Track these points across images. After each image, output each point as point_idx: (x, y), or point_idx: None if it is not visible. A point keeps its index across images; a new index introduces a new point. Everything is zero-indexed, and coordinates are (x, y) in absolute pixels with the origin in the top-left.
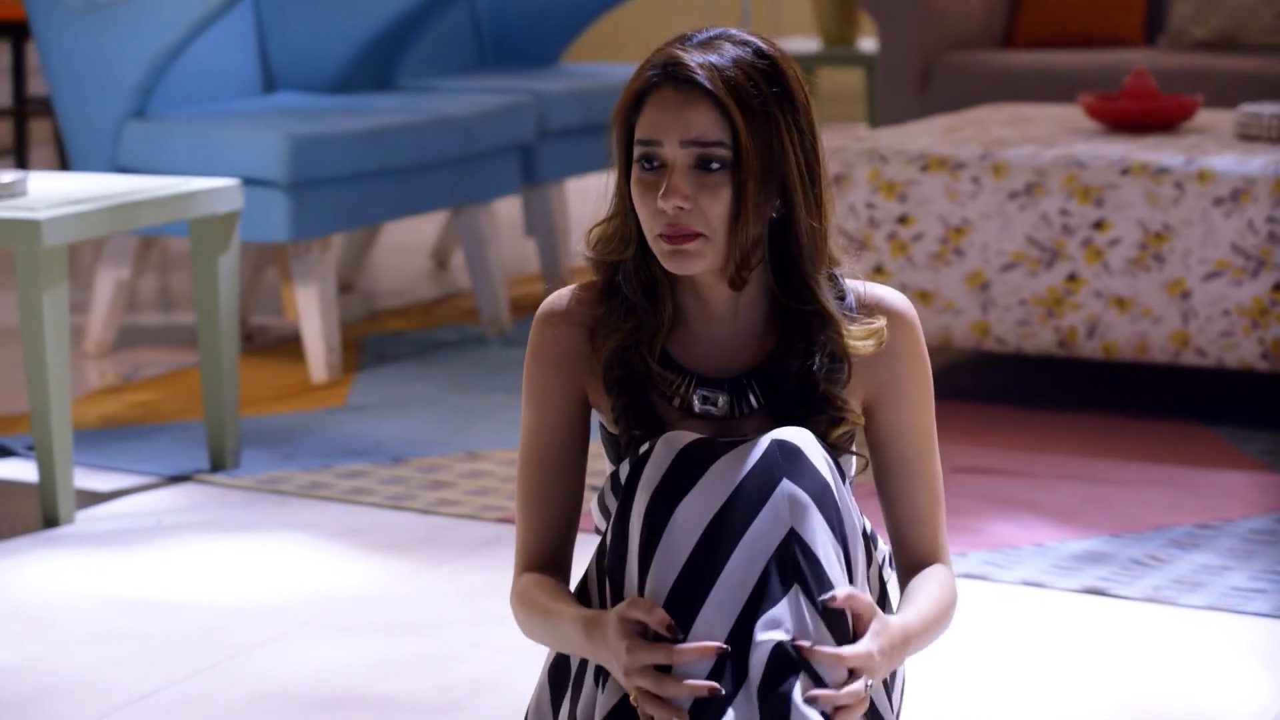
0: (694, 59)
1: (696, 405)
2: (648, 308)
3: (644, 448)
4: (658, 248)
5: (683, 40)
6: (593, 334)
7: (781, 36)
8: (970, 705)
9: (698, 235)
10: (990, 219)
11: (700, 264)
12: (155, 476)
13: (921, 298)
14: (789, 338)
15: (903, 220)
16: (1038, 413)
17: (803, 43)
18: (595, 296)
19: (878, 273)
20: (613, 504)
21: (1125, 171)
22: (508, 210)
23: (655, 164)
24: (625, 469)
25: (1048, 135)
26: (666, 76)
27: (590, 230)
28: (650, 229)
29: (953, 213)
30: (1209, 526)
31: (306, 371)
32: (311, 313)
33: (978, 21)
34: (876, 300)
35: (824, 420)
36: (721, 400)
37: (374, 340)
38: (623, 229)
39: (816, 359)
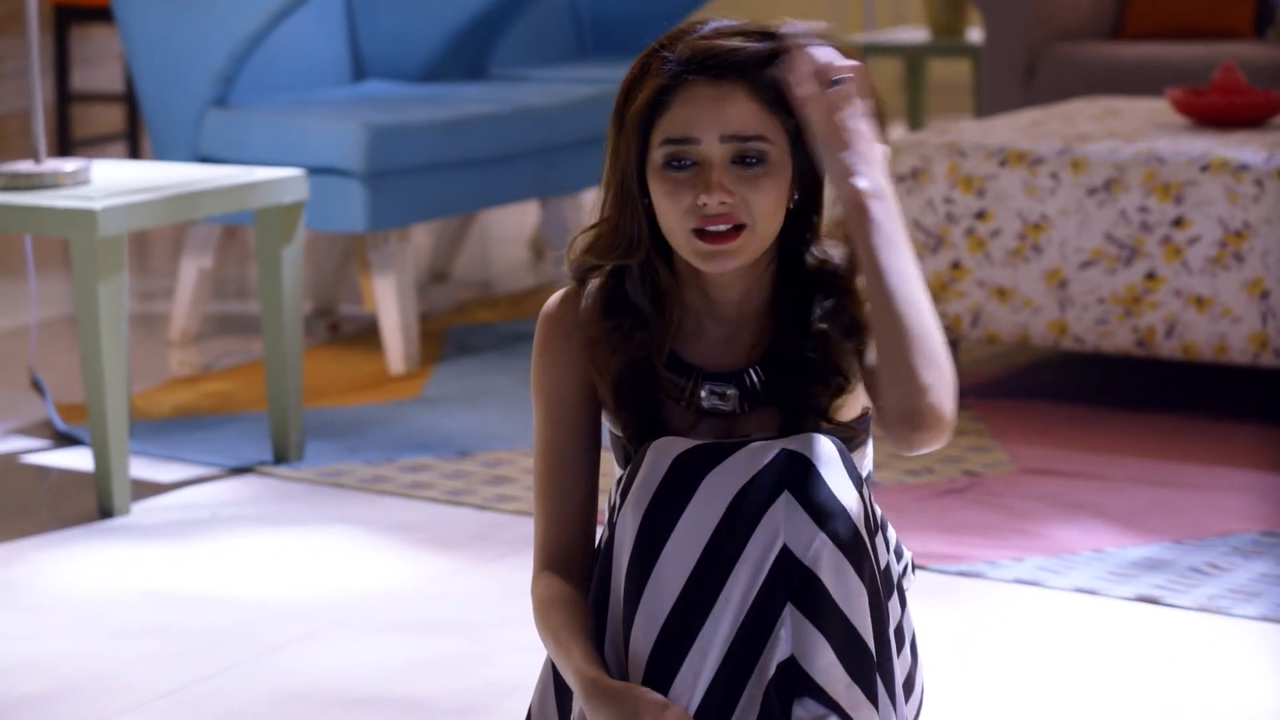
0: (725, 44)
1: (705, 401)
2: (654, 315)
3: (635, 457)
4: (692, 247)
5: (697, 32)
6: (595, 345)
7: (894, 27)
8: (1006, 713)
9: (739, 229)
10: (1069, 215)
11: (738, 260)
12: (217, 468)
13: (999, 295)
14: (786, 320)
15: (980, 216)
16: (1114, 413)
17: (911, 33)
18: (594, 305)
19: (955, 268)
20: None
21: (1205, 168)
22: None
23: (686, 163)
24: (625, 476)
25: (1132, 130)
26: (698, 69)
27: (575, 239)
28: (682, 226)
29: (1031, 209)
30: (1275, 534)
31: (385, 363)
32: (389, 304)
33: (1085, 13)
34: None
35: (826, 391)
36: (730, 393)
37: (458, 331)
38: (630, 232)
39: (819, 327)
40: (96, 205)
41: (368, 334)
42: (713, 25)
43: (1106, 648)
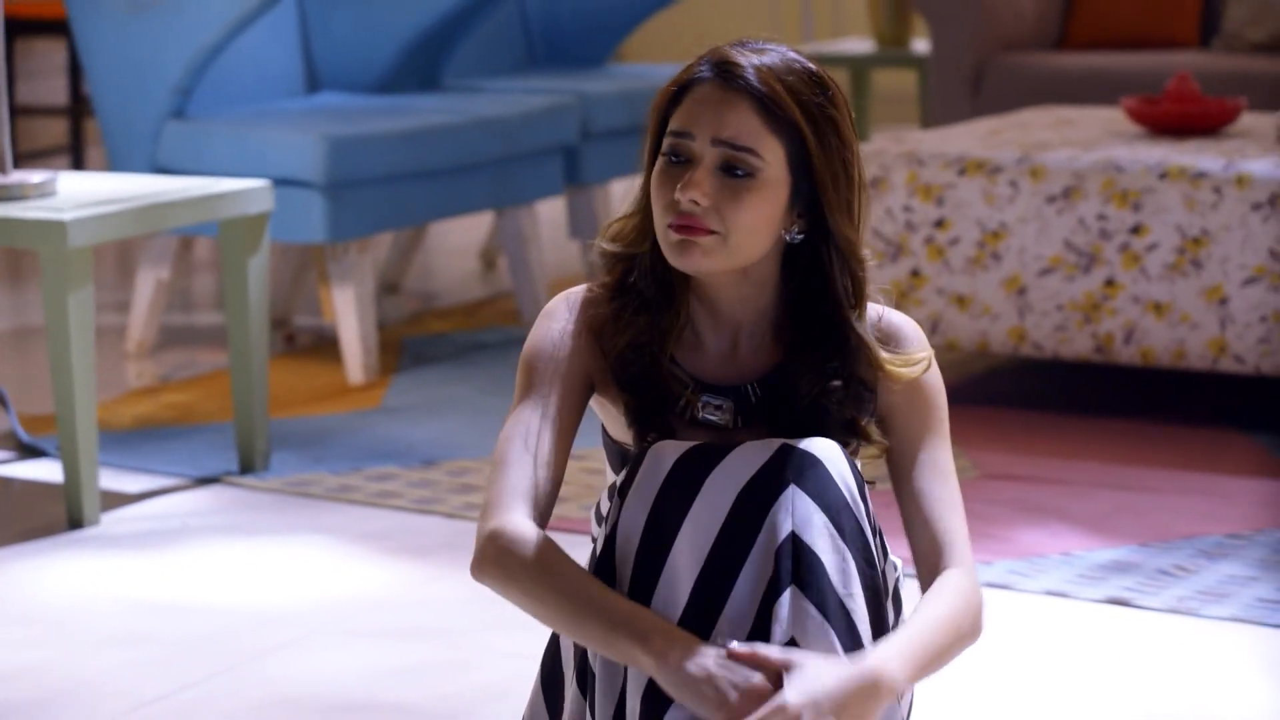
0: (746, 60)
1: (700, 412)
2: (661, 305)
3: (633, 458)
4: (665, 239)
5: (736, 43)
6: (600, 333)
7: (838, 38)
8: (984, 716)
9: (710, 232)
10: (1028, 223)
11: (706, 262)
12: (184, 478)
13: (958, 302)
14: (797, 355)
15: (940, 224)
16: (1074, 419)
17: (857, 44)
18: (605, 296)
19: (914, 276)
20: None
21: (1163, 176)
22: (553, 212)
23: (681, 158)
24: (621, 478)
25: (1088, 139)
26: (715, 72)
27: (608, 225)
28: (661, 220)
29: (990, 217)
30: (1240, 536)
31: (344, 373)
32: (349, 314)
33: (1030, 23)
34: (893, 329)
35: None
36: (726, 407)
37: (414, 342)
38: (642, 223)
39: (834, 383)
40: (66, 216)
41: (324, 345)
42: (753, 43)
43: (1081, 649)
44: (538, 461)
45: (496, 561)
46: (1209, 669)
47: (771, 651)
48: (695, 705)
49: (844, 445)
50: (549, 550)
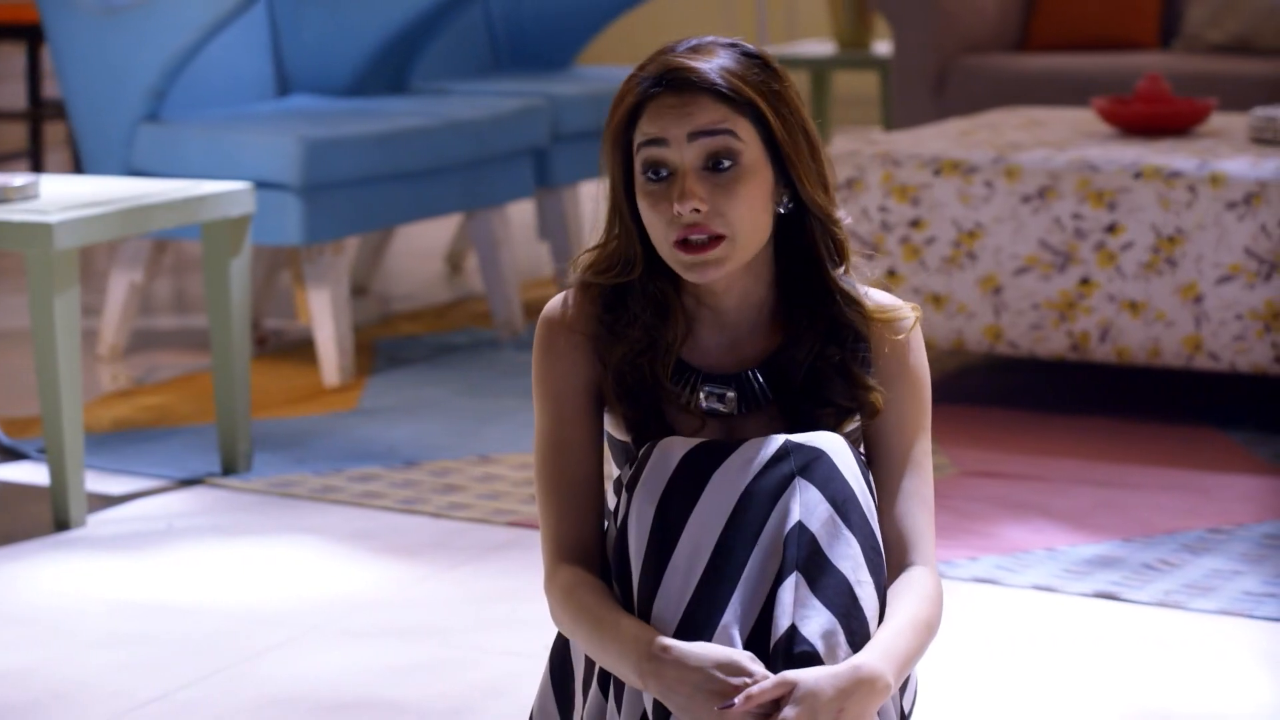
0: (689, 61)
1: (703, 401)
2: (658, 326)
3: (640, 455)
4: (675, 259)
5: (670, 50)
6: (596, 343)
7: (797, 40)
8: (979, 709)
9: (718, 238)
10: (1003, 223)
11: (722, 269)
12: (167, 480)
13: (934, 301)
14: (795, 331)
15: (915, 224)
16: (1050, 417)
17: (817, 46)
18: (596, 307)
19: (890, 276)
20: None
21: (1138, 175)
22: (521, 213)
23: (663, 173)
24: (628, 474)
25: (1061, 139)
26: (664, 83)
27: (578, 257)
28: (666, 238)
29: (965, 216)
30: (1221, 531)
31: (319, 375)
32: (324, 316)
33: (992, 25)
34: (878, 305)
35: (832, 412)
36: (729, 395)
37: (386, 344)
38: (625, 250)
39: (830, 346)
40: (52, 219)
41: (299, 347)
42: (685, 44)
43: (1072, 643)
44: (573, 498)
45: (552, 615)
46: (1199, 661)
47: (764, 686)
48: (661, 697)
49: (848, 411)
50: (577, 592)
